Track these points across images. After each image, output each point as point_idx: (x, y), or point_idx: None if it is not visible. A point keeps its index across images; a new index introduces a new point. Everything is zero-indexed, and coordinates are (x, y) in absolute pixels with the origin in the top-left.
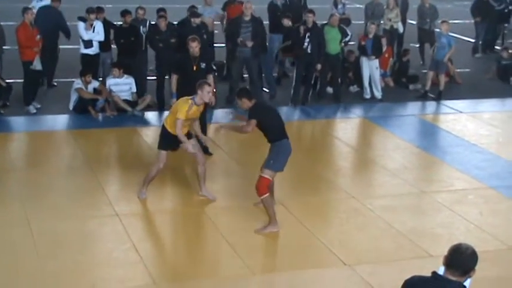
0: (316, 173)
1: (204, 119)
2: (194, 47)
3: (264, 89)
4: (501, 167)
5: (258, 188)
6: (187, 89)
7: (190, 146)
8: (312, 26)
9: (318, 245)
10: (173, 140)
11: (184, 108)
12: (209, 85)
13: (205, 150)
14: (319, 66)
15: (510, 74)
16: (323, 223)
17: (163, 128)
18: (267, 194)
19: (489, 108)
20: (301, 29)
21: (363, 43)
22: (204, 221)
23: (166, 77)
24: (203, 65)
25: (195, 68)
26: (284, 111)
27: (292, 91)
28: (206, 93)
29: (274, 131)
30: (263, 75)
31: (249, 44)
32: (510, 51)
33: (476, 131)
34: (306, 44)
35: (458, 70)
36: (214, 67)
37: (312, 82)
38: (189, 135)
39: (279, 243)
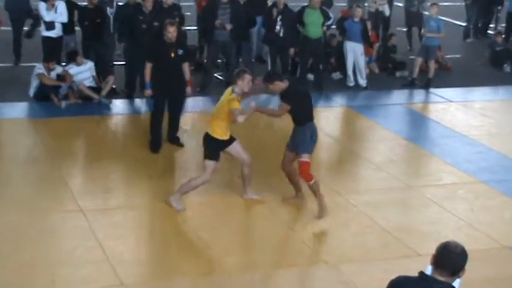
0: (295, 166)
1: (179, 109)
2: (172, 31)
3: (218, 75)
4: (493, 160)
5: (304, 175)
6: (163, 78)
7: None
8: (283, 8)
9: (298, 243)
10: (222, 146)
11: (234, 99)
12: (249, 73)
13: (176, 139)
14: (292, 51)
15: (504, 61)
16: (304, 220)
17: (210, 138)
18: (314, 179)
19: (481, 97)
20: (274, 10)
21: (345, 25)
22: (175, 217)
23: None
24: (180, 52)
25: (172, 55)
26: (260, 99)
27: None
28: (247, 83)
29: (306, 115)
30: (240, 60)
31: (228, 27)
32: (504, 36)
33: (467, 122)
34: (278, 27)
35: (448, 56)
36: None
37: (290, 68)
38: (231, 139)
39: (256, 240)
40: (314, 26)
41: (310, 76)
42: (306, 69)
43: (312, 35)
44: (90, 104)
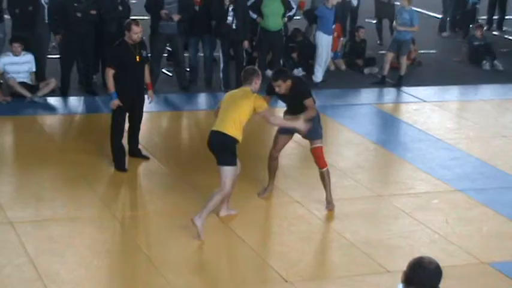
0: (252, 174)
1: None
2: (138, 32)
3: (165, 70)
4: (471, 166)
5: (319, 160)
6: (127, 86)
7: (303, 124)
8: None
9: (255, 259)
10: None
11: (261, 98)
12: (259, 72)
13: (139, 152)
14: (246, 44)
15: (483, 57)
16: (261, 232)
17: (231, 139)
18: (328, 166)
19: (458, 96)
20: (226, 0)
21: (317, 12)
22: (117, 230)
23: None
24: (144, 53)
25: (138, 58)
26: (214, 98)
27: (221, 74)
28: (260, 81)
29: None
30: (188, 55)
31: (176, 17)
32: (484, 29)
33: (442, 124)
34: (230, 18)
35: (423, 51)
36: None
37: (246, 64)
38: None
39: (208, 256)
40: (273, 17)
41: (269, 72)
42: (264, 64)
43: (270, 26)
44: (21, 102)
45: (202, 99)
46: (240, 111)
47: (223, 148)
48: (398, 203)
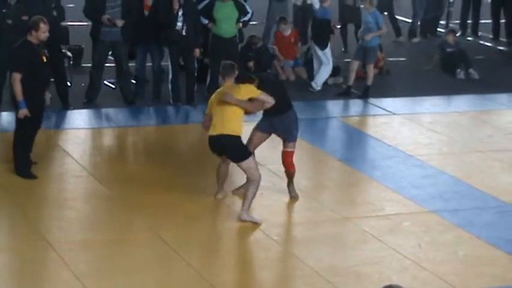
0: (204, 195)
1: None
2: (46, 31)
3: (107, 82)
4: (445, 185)
5: (290, 165)
6: (35, 88)
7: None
8: (184, 1)
9: None
10: None
11: (246, 86)
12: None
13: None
14: (197, 52)
15: (457, 65)
16: (213, 259)
17: (234, 138)
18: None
19: (430, 108)
20: (176, 4)
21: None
22: (52, 259)
23: None
24: (46, 53)
25: (44, 58)
26: (162, 112)
27: (170, 86)
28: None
29: (287, 101)
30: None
31: (119, 23)
32: (457, 34)
33: (413, 139)
34: (179, 24)
35: (391, 59)
36: (69, 53)
37: (197, 73)
38: None
39: (153, 287)
40: (227, 22)
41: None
42: (217, 73)
43: (223, 33)
44: None
45: (149, 113)
46: (233, 108)
47: (231, 149)
48: (366, 226)
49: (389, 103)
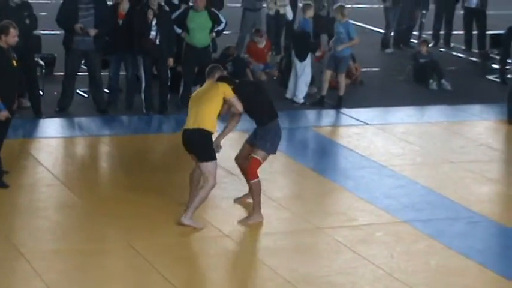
0: (176, 204)
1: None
2: (16, 35)
3: (80, 91)
4: (418, 195)
5: (249, 171)
6: (8, 92)
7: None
8: (159, 10)
9: None
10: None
11: (225, 85)
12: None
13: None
14: (171, 61)
15: (429, 75)
16: (186, 269)
17: (207, 133)
18: (258, 178)
19: (403, 119)
20: (150, 13)
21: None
22: (24, 269)
23: None
24: (15, 56)
25: (14, 63)
26: (135, 121)
27: (143, 95)
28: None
29: (265, 111)
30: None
31: (92, 32)
32: (430, 45)
33: (386, 149)
34: (153, 33)
35: (364, 70)
36: (41, 62)
37: (171, 82)
38: None
39: None
40: (200, 32)
41: (196, 89)
42: (190, 82)
43: (197, 42)
44: None
45: (122, 122)
46: (209, 102)
47: (199, 145)
48: (339, 236)
49: (362, 113)
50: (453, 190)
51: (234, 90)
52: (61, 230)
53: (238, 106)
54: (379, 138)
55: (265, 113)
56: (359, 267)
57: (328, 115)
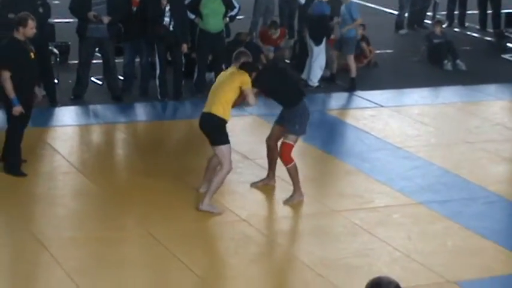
0: (193, 190)
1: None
2: (34, 27)
3: (94, 79)
4: (434, 176)
5: (283, 156)
6: (24, 85)
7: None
8: None
9: (199, 285)
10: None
11: (244, 74)
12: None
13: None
14: (185, 47)
15: (444, 56)
16: (204, 255)
17: (219, 119)
18: (294, 162)
19: (418, 100)
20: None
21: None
22: (43, 257)
23: None
24: (33, 48)
25: (32, 55)
26: (150, 108)
27: (158, 81)
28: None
29: (290, 94)
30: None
31: (106, 20)
32: (444, 25)
33: (401, 131)
34: (167, 19)
35: (378, 52)
36: (55, 50)
37: (185, 68)
38: None
39: (145, 284)
40: (214, 17)
41: (211, 75)
42: (204, 68)
43: (210, 28)
44: None
45: (137, 109)
46: (225, 90)
47: (213, 129)
48: (355, 219)
49: (377, 95)
50: (469, 170)
51: (256, 78)
52: (79, 218)
53: (251, 99)
54: (394, 120)
55: (291, 96)
56: (376, 249)
57: (343, 98)
